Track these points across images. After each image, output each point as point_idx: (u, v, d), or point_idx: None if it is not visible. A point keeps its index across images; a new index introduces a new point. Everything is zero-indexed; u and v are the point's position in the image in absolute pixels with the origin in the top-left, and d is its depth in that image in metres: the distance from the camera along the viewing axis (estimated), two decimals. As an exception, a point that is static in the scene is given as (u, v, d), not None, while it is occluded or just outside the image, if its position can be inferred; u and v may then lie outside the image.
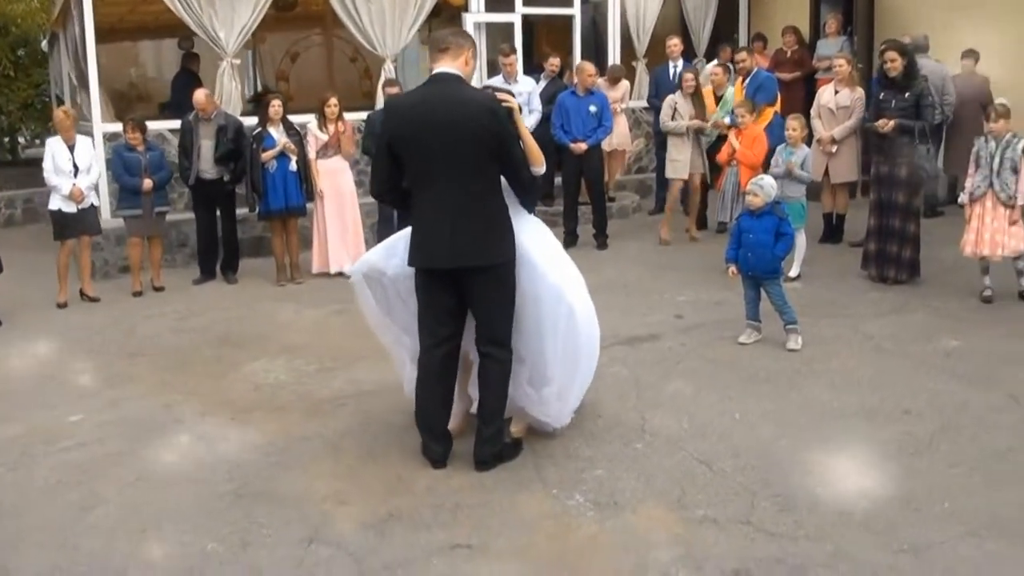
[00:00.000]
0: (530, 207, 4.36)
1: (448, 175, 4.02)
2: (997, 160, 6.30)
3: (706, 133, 9.14)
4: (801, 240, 7.33)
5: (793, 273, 7.35)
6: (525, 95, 9.04)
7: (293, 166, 7.89)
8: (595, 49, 11.86)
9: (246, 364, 6.02)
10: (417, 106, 4.07)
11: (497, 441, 4.32)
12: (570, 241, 9.25)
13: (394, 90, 8.32)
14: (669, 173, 9.27)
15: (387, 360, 5.17)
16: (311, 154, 8.07)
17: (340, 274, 8.21)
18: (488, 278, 4.11)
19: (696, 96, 9.05)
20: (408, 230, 4.41)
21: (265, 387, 5.60)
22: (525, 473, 4.27)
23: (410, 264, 4.21)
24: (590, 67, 9.25)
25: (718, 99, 9.40)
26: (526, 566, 3.49)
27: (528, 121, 9.00)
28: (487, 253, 4.08)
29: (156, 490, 4.21)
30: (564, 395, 4.45)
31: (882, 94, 6.95)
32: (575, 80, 9.44)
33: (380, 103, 9.03)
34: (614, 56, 11.60)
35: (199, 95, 8.06)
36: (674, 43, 10.55)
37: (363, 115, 8.93)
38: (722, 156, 7.80)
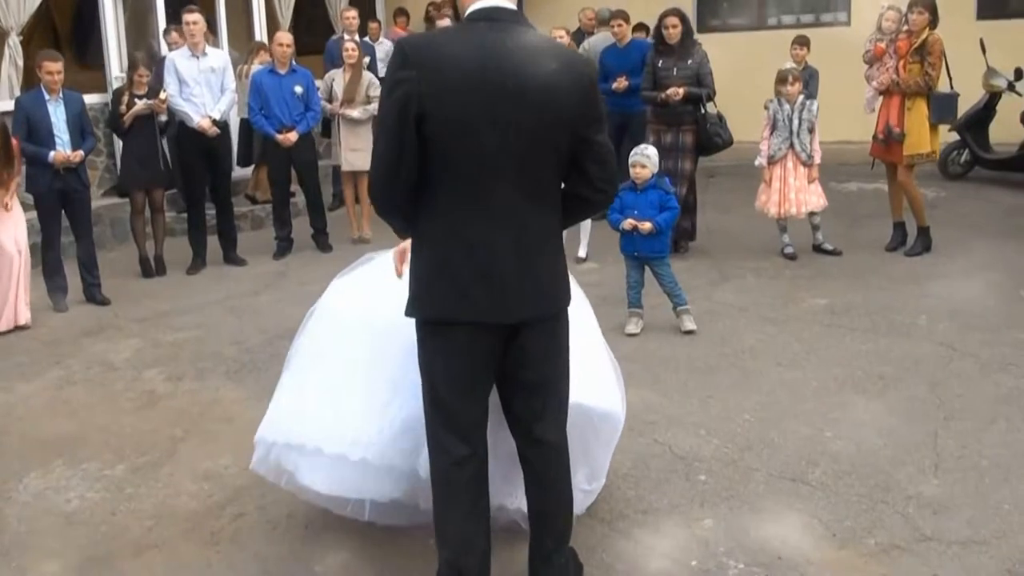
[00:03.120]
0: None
1: (513, 175, 2.49)
2: (796, 122, 6.48)
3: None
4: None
5: (582, 254, 6.89)
6: (219, 71, 7.25)
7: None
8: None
9: (11, 484, 3.86)
10: (475, 59, 2.43)
11: (573, 568, 2.93)
12: (284, 249, 7.74)
13: (55, 66, 6.03)
14: (345, 165, 7.98)
15: (224, 434, 4.03)
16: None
17: (20, 328, 5.86)
18: (553, 331, 2.68)
19: (356, 71, 8.04)
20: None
21: (81, 516, 3.60)
22: (617, 545, 3.21)
23: (431, 318, 2.59)
24: (287, 37, 7.73)
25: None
26: None
27: (224, 104, 7.31)
28: (561, 294, 2.68)
29: None
30: (600, 475, 3.40)
31: (660, 61, 6.76)
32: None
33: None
34: (260, 29, 10.02)
35: None
36: (351, 15, 9.34)
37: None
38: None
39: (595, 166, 2.59)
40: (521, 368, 2.66)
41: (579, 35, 9.17)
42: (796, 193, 6.53)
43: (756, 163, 6.75)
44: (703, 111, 6.69)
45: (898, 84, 6.26)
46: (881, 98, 6.48)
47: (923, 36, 6.17)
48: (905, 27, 6.29)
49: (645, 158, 5.19)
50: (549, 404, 2.73)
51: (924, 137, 6.30)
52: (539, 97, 2.45)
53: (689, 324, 5.29)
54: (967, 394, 4.34)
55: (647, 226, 5.12)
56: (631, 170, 5.23)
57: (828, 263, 6.65)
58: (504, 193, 2.49)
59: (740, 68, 9.37)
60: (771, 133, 6.58)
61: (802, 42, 7.79)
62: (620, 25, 7.88)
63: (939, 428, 4.01)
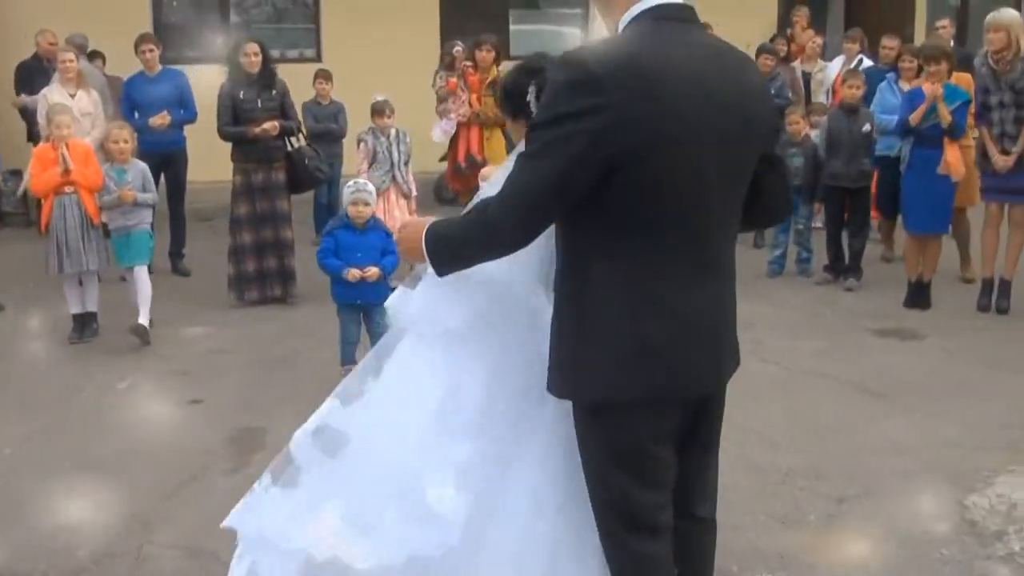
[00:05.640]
0: None
1: (720, 215, 2.08)
2: (396, 154, 6.37)
3: None
4: (145, 280, 5.67)
5: (143, 320, 5.53)
6: None
7: None
8: None
9: None
10: (691, 76, 1.95)
11: None
12: None
13: None
14: None
15: None
16: None
17: None
18: (723, 394, 2.30)
19: None
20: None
21: None
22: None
23: (631, 397, 2.04)
24: None
25: None
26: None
27: None
28: (738, 349, 2.31)
29: None
30: None
31: (241, 93, 6.02)
32: None
33: None
34: None
35: None
36: None
37: None
38: (42, 184, 5.34)
39: (779, 183, 2.31)
40: (698, 438, 2.25)
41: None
42: (399, 230, 6.44)
43: (358, 198, 6.48)
44: (295, 145, 6.20)
45: (479, 116, 6.68)
46: (455, 128, 6.81)
47: (492, 72, 6.71)
48: (469, 63, 6.75)
49: (368, 195, 4.67)
50: (713, 476, 2.37)
51: (504, 164, 6.82)
52: (748, 112, 2.08)
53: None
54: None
55: (375, 272, 4.62)
56: (351, 208, 4.65)
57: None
58: (710, 237, 2.08)
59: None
60: (369, 167, 6.40)
61: (326, 76, 7.70)
62: (151, 50, 6.72)
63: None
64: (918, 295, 5.92)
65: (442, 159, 8.79)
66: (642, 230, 1.97)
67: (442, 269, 2.14)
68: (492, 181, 2.27)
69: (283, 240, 6.28)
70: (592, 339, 2.03)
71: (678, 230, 2.00)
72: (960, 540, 3.30)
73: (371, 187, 4.82)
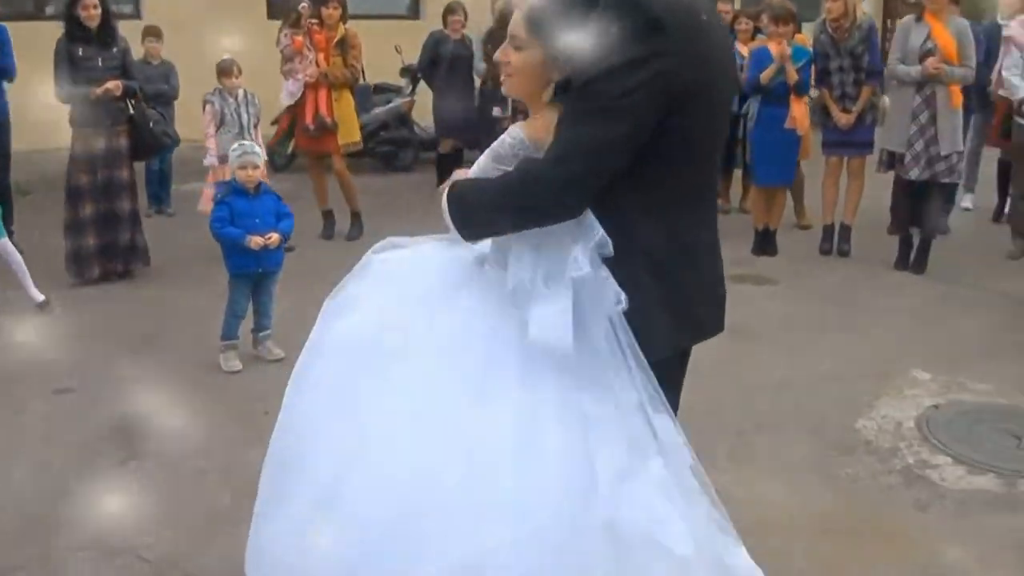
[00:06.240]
0: None
1: (717, 159, 2.21)
2: (246, 116, 6.06)
3: None
4: (13, 250, 5.31)
5: (38, 295, 5.26)
6: None
7: None
8: None
9: None
10: (707, 18, 1.99)
11: None
12: None
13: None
14: None
15: None
16: None
17: None
18: None
19: None
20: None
21: None
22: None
23: (666, 345, 2.03)
24: None
25: None
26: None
27: None
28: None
29: None
30: None
31: (80, 50, 5.53)
32: None
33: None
34: None
35: None
36: None
37: None
38: None
39: None
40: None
41: None
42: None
43: (206, 163, 6.11)
44: (138, 108, 5.76)
45: (326, 76, 6.43)
46: (303, 90, 6.52)
47: (339, 31, 6.48)
48: (315, 21, 6.47)
49: (255, 156, 4.44)
50: None
51: (355, 126, 6.65)
52: (732, 62, 2.29)
53: (278, 353, 4.55)
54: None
55: (276, 238, 4.42)
56: (240, 172, 4.40)
57: (291, 259, 6.48)
58: (710, 181, 2.19)
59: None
60: (217, 130, 6.04)
61: (156, 34, 7.18)
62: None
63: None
64: (765, 243, 6.40)
65: (274, 122, 8.45)
66: (674, 178, 1.97)
67: (469, 235, 2.03)
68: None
69: (124, 212, 5.82)
70: (636, 298, 1.94)
71: (701, 178, 2.06)
72: (860, 460, 3.65)
73: (258, 148, 4.60)
